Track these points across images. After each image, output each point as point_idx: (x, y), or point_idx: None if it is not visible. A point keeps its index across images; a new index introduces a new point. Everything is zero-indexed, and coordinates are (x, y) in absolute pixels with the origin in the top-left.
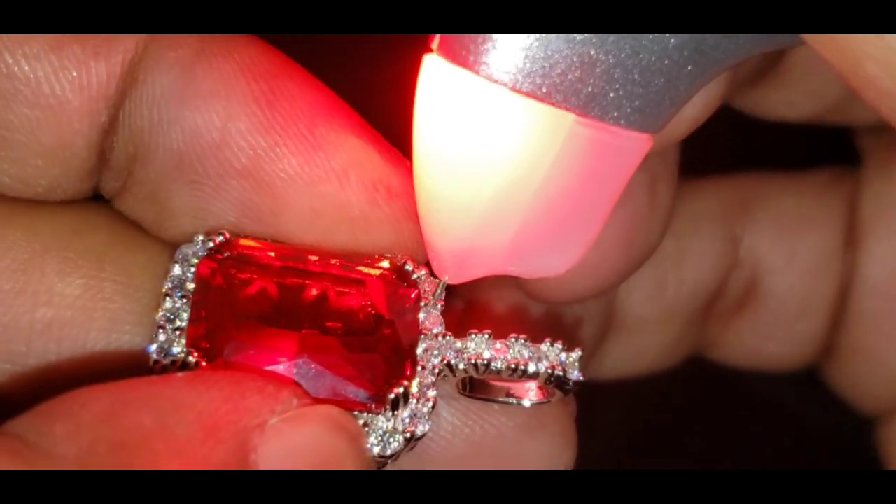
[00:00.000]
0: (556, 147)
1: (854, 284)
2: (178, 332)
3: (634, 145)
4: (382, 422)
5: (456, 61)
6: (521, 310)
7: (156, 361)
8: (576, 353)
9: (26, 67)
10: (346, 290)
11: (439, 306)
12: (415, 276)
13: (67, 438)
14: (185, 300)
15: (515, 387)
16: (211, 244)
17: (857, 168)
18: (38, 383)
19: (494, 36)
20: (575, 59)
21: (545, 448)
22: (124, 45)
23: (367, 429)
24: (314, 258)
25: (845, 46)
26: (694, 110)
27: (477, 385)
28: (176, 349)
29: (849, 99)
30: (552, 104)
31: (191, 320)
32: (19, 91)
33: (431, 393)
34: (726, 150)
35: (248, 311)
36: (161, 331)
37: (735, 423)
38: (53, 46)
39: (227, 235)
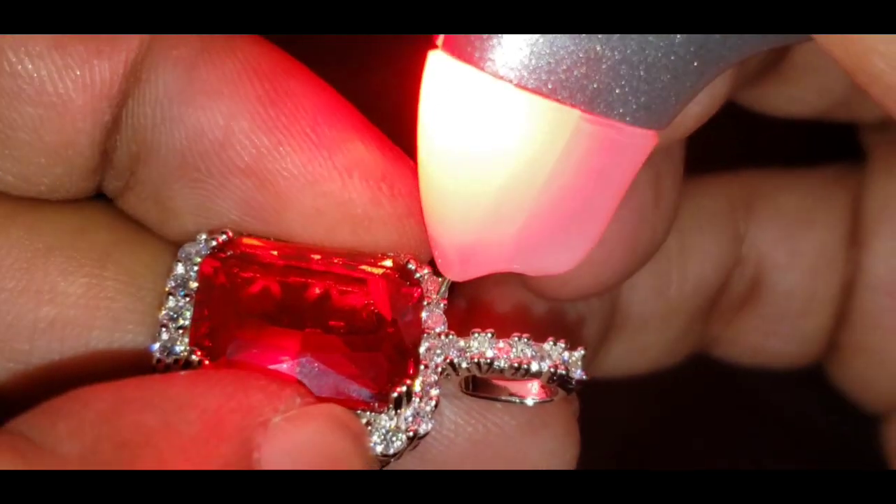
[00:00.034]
0: (561, 143)
1: (858, 282)
2: (181, 331)
3: (640, 142)
4: (385, 420)
5: (461, 58)
6: (523, 309)
7: (159, 360)
8: (579, 352)
9: (30, 66)
10: (349, 289)
11: (442, 305)
12: (418, 274)
13: (70, 437)
14: (188, 299)
15: (518, 385)
16: (214, 243)
17: (861, 165)
18: (40, 382)
19: (500, 32)
20: (580, 56)
21: (548, 447)
22: (127, 44)
23: (370, 427)
24: (317, 257)
25: (852, 42)
26: (699, 107)
27: (480, 384)
28: (179, 348)
29: (854, 95)
30: (557, 100)
31: (194, 319)
32: (22, 89)
33: (434, 392)
34: (730, 146)
35: (251, 309)
36: (164, 329)
37: (737, 422)
38: (57, 45)
39: (230, 234)
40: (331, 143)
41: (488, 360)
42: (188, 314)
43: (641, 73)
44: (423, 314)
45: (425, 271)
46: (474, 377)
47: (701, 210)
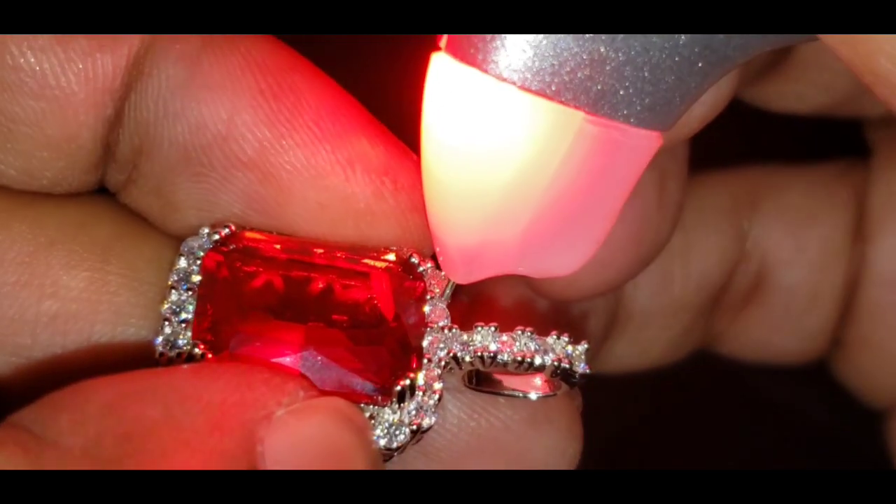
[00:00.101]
0: (565, 145)
1: (862, 278)
2: (183, 325)
3: (644, 143)
4: (388, 414)
5: (464, 60)
6: (527, 302)
7: (161, 354)
8: (582, 346)
9: (32, 59)
10: (352, 283)
11: (445, 296)
12: (421, 269)
13: (73, 429)
14: (190, 293)
15: (521, 380)
16: (216, 237)
17: (865, 161)
18: (43, 376)
19: (503, 33)
20: (584, 57)
21: (551, 441)
22: (130, 38)
23: (373, 421)
24: (320, 251)
25: (859, 43)
26: (704, 108)
27: (483, 378)
28: (182, 341)
29: (858, 92)
30: (561, 102)
31: (196, 313)
32: (25, 83)
33: (437, 385)
34: (734, 143)
35: (254, 303)
36: (167, 323)
37: (739, 420)
38: (59, 39)
39: (233, 228)
40: (334, 137)
41: (492, 354)
42: (191, 308)
43: (646, 74)
44: (426, 308)
45: (428, 265)
46: (477, 371)
47: (705, 206)
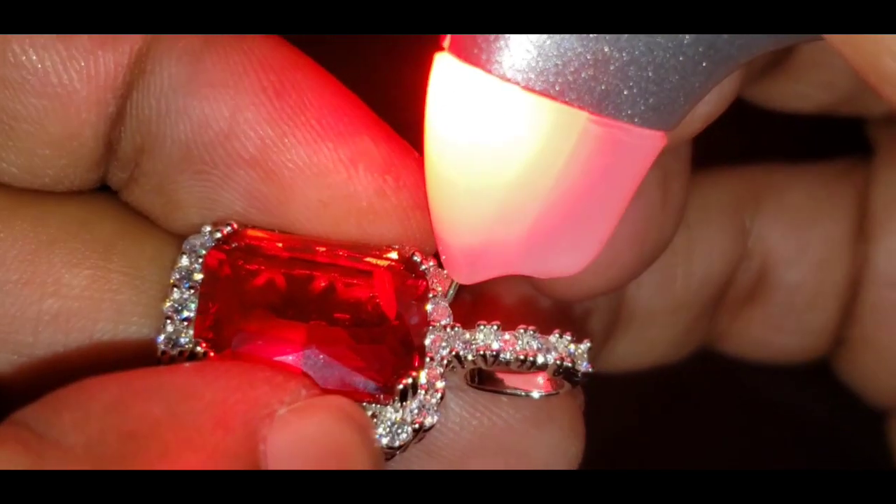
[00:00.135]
0: (569, 145)
1: (865, 276)
2: (185, 323)
3: (648, 143)
4: (391, 413)
5: (468, 60)
6: (529, 301)
7: (164, 352)
8: (584, 345)
9: (34, 57)
10: (354, 282)
11: (448, 297)
12: (423, 267)
13: (76, 428)
14: (192, 291)
15: (524, 378)
16: (219, 235)
17: (868, 159)
18: (44, 374)
19: (506, 34)
20: (588, 57)
21: (553, 440)
22: (132, 36)
23: (375, 420)
24: (322, 249)
25: (863, 43)
26: (708, 107)
27: (485, 377)
28: (184, 340)
29: (860, 90)
30: (565, 102)
31: (199, 311)
32: (27, 80)
33: (440, 384)
34: (737, 141)
35: (256, 301)
36: (169, 321)
37: (739, 419)
38: (61, 36)
39: (235, 226)
40: (336, 134)
41: (494, 353)
42: (193, 306)
43: (650, 74)
44: (429, 307)
45: (430, 264)
46: (480, 370)
47: (707, 205)
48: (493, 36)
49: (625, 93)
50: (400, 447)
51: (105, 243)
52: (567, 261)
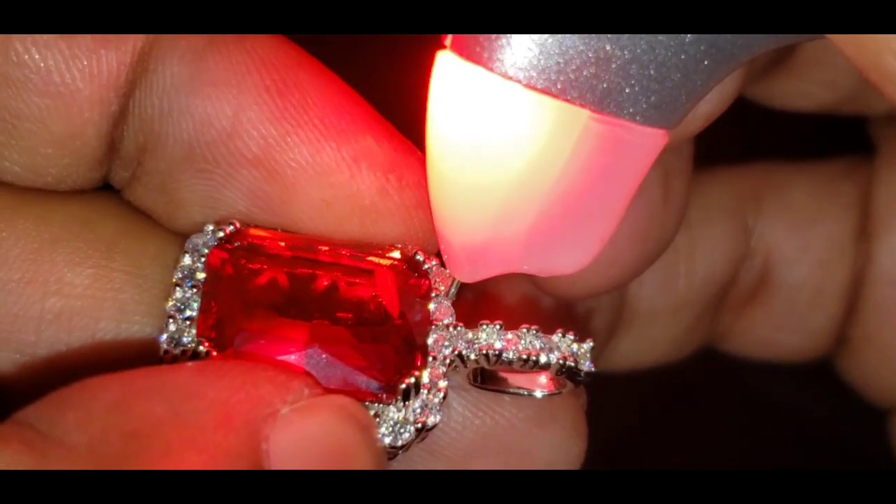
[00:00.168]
0: (571, 144)
1: (867, 275)
2: (188, 322)
3: (650, 141)
4: (393, 412)
5: (470, 58)
6: (532, 300)
7: (166, 351)
8: (587, 344)
9: (36, 56)
10: (357, 281)
11: (450, 295)
12: (426, 266)
13: (79, 427)
14: (195, 290)
15: (526, 378)
16: (221, 234)
17: (870, 158)
18: (47, 373)
19: (508, 32)
20: (590, 55)
21: (556, 440)
22: (135, 35)
23: (378, 419)
24: (325, 248)
25: (865, 42)
26: (709, 105)
27: (488, 376)
28: (186, 339)
29: (862, 89)
30: (567, 101)
31: (201, 310)
32: (29, 79)
33: (442, 383)
34: (739, 140)
35: (259, 300)
36: (171, 321)
37: (740, 419)
38: (64, 35)
39: (238, 225)
40: (339, 133)
41: (497, 352)
42: (195, 305)
43: (651, 72)
44: (431, 306)
45: (433, 263)
46: (482, 369)
47: (709, 203)
48: (494, 34)
49: (626, 91)
50: (402, 447)
51: (107, 242)
52: (569, 259)
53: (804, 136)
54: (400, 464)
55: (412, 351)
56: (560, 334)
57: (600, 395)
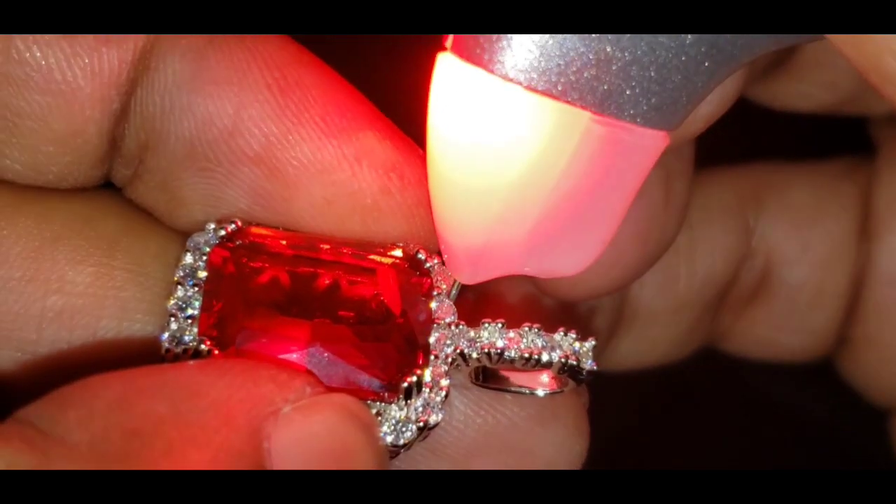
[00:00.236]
0: (571, 146)
1: (868, 275)
2: (189, 321)
3: (651, 143)
4: (395, 411)
5: (470, 60)
6: (534, 299)
7: (168, 350)
8: (589, 343)
9: (38, 54)
10: (359, 279)
11: (452, 297)
12: (427, 264)
13: (80, 426)
14: (196, 289)
15: (528, 376)
16: (223, 232)
17: (871, 158)
18: (48, 372)
19: (509, 34)
20: (591, 57)
21: (558, 438)
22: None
23: (380, 418)
24: (326, 246)
25: (865, 43)
26: (710, 107)
27: (490, 374)
28: (188, 338)
29: (862, 90)
30: (568, 102)
31: (203, 309)
32: (30, 77)
33: (444, 382)
34: (739, 140)
35: (261, 299)
36: (173, 319)
37: (742, 419)
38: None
39: (239, 223)
40: (341, 131)
41: (498, 351)
42: (197, 304)
43: (652, 73)
44: (433, 304)
45: (435, 261)
46: (484, 368)
47: (710, 203)
48: (495, 36)
49: (627, 93)
50: (404, 445)
51: (109, 240)
52: (570, 261)
53: (805, 137)
54: (402, 462)
55: (414, 349)
56: (562, 333)
57: (600, 394)
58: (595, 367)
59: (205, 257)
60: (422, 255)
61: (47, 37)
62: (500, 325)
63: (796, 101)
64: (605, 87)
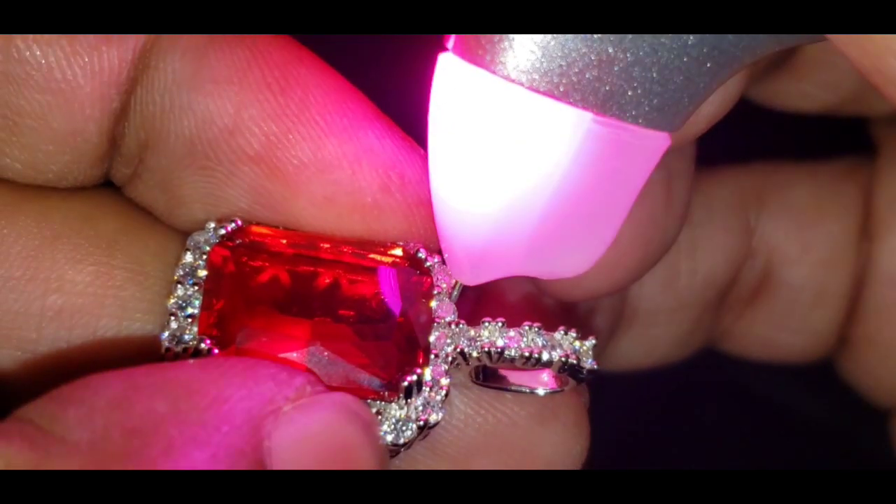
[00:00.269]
0: (573, 146)
1: (869, 275)
2: (189, 320)
3: (653, 144)
4: (395, 410)
5: (472, 60)
6: (534, 298)
7: (168, 349)
8: (590, 342)
9: (38, 52)
10: (359, 278)
11: (452, 297)
12: (428, 263)
13: (80, 424)
14: (196, 288)
15: (529, 375)
16: (223, 231)
17: (872, 159)
18: (48, 371)
19: (511, 34)
20: (593, 58)
21: (558, 438)
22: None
23: (380, 417)
24: (326, 245)
25: (867, 43)
26: (712, 107)
27: (490, 373)
28: (188, 336)
29: (864, 90)
30: (570, 103)
31: (203, 308)
32: (30, 76)
33: (444, 381)
34: (741, 140)
35: (261, 298)
36: (173, 318)
37: (742, 420)
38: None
39: (239, 222)
40: (341, 130)
41: (499, 350)
42: (197, 303)
43: (654, 74)
44: (434, 303)
45: (435, 260)
46: (484, 367)
47: (711, 203)
48: (497, 36)
49: (629, 94)
50: (404, 444)
51: (109, 239)
52: (571, 262)
53: (806, 137)
54: (402, 461)
55: (414, 348)
56: (562, 332)
57: (601, 394)
58: (595, 366)
59: (205, 256)
60: (422, 254)
61: (47, 36)
62: (500, 324)
63: (797, 101)
64: (607, 88)
